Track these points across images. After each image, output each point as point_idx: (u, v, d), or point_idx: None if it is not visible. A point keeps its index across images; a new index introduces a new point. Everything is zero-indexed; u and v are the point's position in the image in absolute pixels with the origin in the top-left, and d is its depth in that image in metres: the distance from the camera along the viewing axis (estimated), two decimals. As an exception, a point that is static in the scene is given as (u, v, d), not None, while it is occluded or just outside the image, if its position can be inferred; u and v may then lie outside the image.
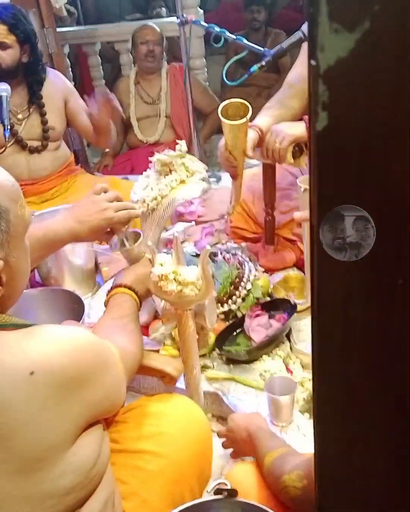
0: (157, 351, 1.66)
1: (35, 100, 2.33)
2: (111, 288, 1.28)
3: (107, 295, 1.28)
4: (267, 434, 1.18)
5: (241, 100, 1.52)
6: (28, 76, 2.30)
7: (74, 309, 1.69)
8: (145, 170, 3.08)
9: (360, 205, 0.40)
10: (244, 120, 1.49)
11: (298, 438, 1.40)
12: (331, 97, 0.38)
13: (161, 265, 1.25)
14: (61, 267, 2.02)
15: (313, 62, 0.38)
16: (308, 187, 1.33)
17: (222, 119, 1.51)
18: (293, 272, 1.86)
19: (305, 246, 1.35)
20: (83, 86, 3.84)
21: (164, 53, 3.28)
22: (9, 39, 2.15)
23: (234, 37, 2.00)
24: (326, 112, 0.39)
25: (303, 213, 1.31)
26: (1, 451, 0.73)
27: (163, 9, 4.44)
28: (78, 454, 0.81)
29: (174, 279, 1.23)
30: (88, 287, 2.09)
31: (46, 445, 0.75)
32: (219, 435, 1.32)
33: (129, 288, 1.26)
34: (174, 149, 3.58)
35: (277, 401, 1.39)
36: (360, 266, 0.43)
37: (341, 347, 0.45)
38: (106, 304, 1.26)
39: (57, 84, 2.40)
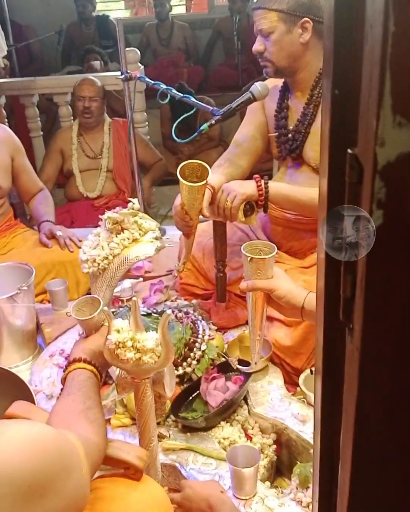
0: (108, 420, 1.55)
1: None
2: (69, 363, 1.18)
3: (64, 370, 1.17)
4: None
5: (198, 161, 1.51)
6: None
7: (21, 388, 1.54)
8: (87, 224, 3.01)
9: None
10: (204, 182, 1.48)
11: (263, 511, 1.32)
12: (388, 194, 0.35)
13: (118, 331, 1.18)
14: (-1, 328, 1.89)
15: (350, 151, 0.35)
16: (253, 256, 1.30)
17: (181, 180, 1.48)
18: (248, 331, 1.82)
19: (250, 313, 1.30)
20: (20, 137, 3.76)
21: (105, 107, 3.28)
22: None
23: (181, 95, 2.01)
24: (382, 210, 0.36)
25: (248, 283, 1.26)
26: None
27: (97, 62, 4.45)
28: None
29: (132, 346, 1.16)
30: (29, 350, 1.96)
31: None
32: (172, 502, 1.22)
33: (89, 363, 1.17)
34: (115, 201, 3.52)
35: (241, 473, 1.31)
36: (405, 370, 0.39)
37: (381, 461, 0.41)
38: (63, 380, 1.15)
39: (4, 140, 2.32)
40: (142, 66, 3.36)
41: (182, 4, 6.90)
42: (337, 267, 0.48)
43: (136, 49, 3.29)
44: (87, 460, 0.86)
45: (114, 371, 1.31)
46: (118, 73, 2.44)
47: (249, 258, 1.24)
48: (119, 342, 1.15)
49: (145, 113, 3.44)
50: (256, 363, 1.34)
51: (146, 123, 3.47)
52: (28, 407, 1.13)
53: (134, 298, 1.18)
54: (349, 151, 0.35)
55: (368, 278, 0.37)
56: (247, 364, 1.61)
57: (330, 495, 0.61)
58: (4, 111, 3.45)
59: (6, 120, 3.42)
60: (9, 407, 1.09)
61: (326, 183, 0.48)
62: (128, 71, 2.40)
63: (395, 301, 0.38)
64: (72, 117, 3.53)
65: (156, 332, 1.18)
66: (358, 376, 0.38)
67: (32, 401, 1.45)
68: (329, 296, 0.51)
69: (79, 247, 2.26)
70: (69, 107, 3.55)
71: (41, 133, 3.69)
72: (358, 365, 0.38)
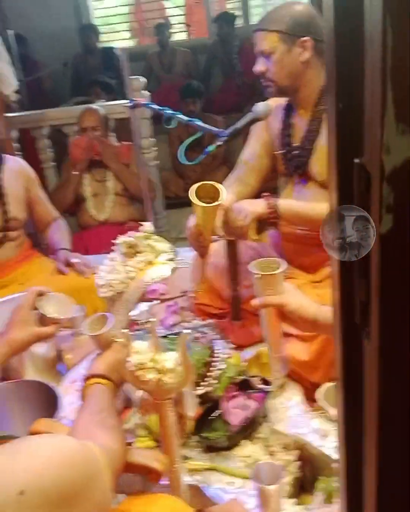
0: (130, 444, 1.56)
1: None
2: (85, 379, 1.22)
3: (82, 386, 1.21)
4: None
5: (212, 183, 1.54)
6: None
7: (50, 402, 1.59)
8: (101, 250, 3.04)
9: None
10: (218, 202, 1.52)
11: (290, 530, 1.32)
12: (396, 199, 0.38)
13: (138, 353, 1.20)
14: (21, 356, 1.91)
15: (357, 160, 0.37)
16: (263, 273, 1.32)
17: (195, 201, 1.52)
18: (265, 348, 1.82)
19: (264, 331, 1.31)
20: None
21: (110, 133, 3.35)
22: None
23: (187, 119, 2.05)
24: (391, 214, 0.38)
25: (259, 300, 1.28)
26: None
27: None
28: None
29: (153, 367, 1.18)
30: (51, 377, 1.97)
31: None
32: None
33: (104, 377, 1.20)
34: (123, 227, 3.54)
35: (266, 491, 1.31)
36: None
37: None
38: (82, 397, 1.19)
39: (18, 172, 2.38)
40: (148, 93, 3.44)
41: (184, 31, 7.04)
42: (351, 272, 0.50)
43: (141, 77, 3.37)
44: (109, 467, 0.89)
45: (135, 394, 1.33)
46: (125, 101, 2.50)
47: (258, 275, 1.26)
48: (139, 364, 1.17)
49: (153, 139, 3.51)
50: (277, 379, 1.34)
51: (155, 148, 3.53)
52: (50, 423, 1.16)
53: (152, 319, 1.21)
54: (356, 160, 0.38)
55: (383, 279, 0.39)
56: (265, 381, 1.61)
57: (359, 508, 0.61)
58: (17, 145, 3.53)
59: (19, 152, 3.50)
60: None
61: (335, 195, 0.50)
62: (134, 99, 2.46)
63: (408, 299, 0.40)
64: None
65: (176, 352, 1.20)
66: (379, 374, 0.40)
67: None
68: (344, 302, 0.52)
69: (95, 274, 2.30)
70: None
71: (53, 163, 3.76)
72: (377, 361, 0.40)
